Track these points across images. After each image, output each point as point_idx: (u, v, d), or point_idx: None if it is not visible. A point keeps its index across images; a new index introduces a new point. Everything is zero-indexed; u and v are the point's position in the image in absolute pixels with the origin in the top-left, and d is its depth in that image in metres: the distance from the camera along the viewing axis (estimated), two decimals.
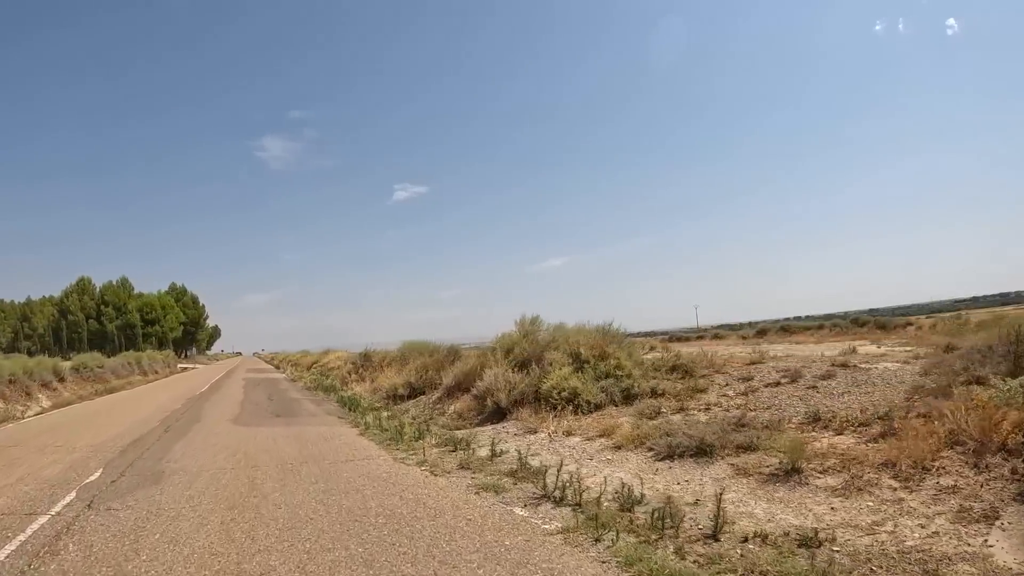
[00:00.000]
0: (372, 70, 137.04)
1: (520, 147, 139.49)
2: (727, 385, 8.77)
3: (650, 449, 6.41)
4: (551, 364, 9.90)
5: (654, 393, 8.89)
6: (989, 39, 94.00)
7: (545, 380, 9.38)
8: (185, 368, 53.54)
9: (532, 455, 6.64)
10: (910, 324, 27.55)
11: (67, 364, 25.64)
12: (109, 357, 38.79)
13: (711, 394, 8.47)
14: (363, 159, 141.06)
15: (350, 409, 13.30)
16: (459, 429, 9.84)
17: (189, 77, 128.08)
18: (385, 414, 13.33)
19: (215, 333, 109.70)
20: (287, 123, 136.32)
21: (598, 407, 8.88)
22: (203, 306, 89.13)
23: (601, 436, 7.38)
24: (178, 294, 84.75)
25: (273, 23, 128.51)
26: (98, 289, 76.04)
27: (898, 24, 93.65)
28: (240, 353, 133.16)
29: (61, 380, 22.60)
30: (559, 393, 9.03)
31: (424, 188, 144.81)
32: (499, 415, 9.67)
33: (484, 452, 7.13)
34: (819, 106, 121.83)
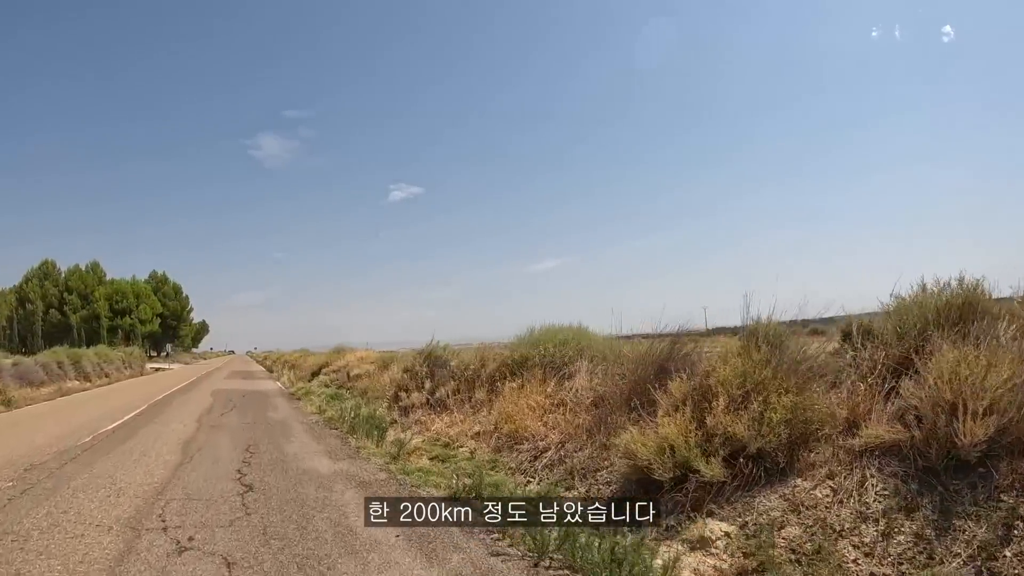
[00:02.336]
0: (370, 70, 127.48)
1: (517, 149, 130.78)
2: None
3: None
4: None
5: None
6: (984, 46, 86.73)
7: None
8: (158, 369, 43.20)
9: None
10: None
11: None
12: (38, 352, 28.56)
13: None
14: (359, 159, 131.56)
15: None
16: None
17: (184, 74, 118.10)
18: None
19: (202, 329, 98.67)
20: (283, 122, 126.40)
21: None
22: (187, 297, 78.20)
23: None
24: (158, 283, 73.79)
25: (270, 21, 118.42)
26: (63, 274, 65.08)
27: (894, 31, 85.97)
28: (233, 352, 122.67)
29: None
30: None
31: (420, 189, 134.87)
32: None
33: None
34: (814, 111, 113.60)
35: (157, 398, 15.28)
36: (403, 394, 11.54)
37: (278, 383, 22.39)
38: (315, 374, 22.86)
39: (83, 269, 65.73)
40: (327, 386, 18.16)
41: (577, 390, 8.10)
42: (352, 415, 9.97)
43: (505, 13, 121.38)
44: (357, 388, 15.63)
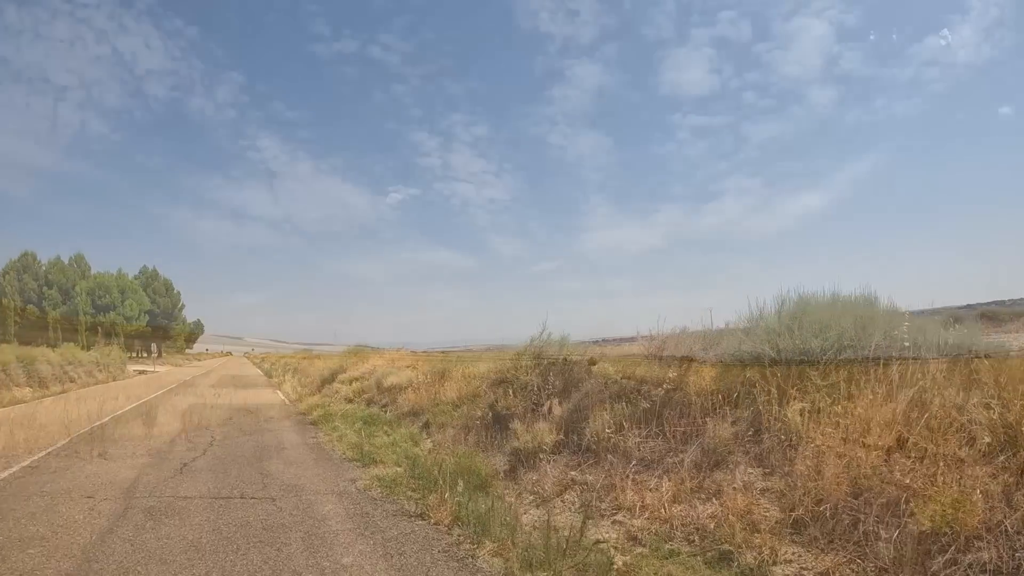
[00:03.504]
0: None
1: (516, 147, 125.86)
2: None
3: None
4: None
5: None
6: (980, 48, 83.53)
7: None
8: (142, 371, 38.22)
9: None
10: None
11: None
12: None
13: None
14: (357, 160, 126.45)
15: None
16: None
17: (183, 73, 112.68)
18: None
19: (196, 329, 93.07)
20: (281, 123, 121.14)
21: None
22: (178, 294, 72.75)
23: None
24: (148, 278, 68.41)
25: (270, 21, 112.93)
26: (44, 267, 59.74)
27: (891, 34, 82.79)
28: (230, 353, 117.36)
29: None
30: None
31: (418, 190, 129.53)
32: None
33: None
34: (809, 113, 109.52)
35: (101, 421, 10.09)
36: (519, 427, 6.36)
37: (279, 393, 17.20)
38: (326, 381, 17.70)
39: (65, 262, 60.44)
40: (351, 401, 13.01)
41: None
42: (447, 477, 4.79)
43: (503, 12, 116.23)
44: (401, 406, 10.47)
